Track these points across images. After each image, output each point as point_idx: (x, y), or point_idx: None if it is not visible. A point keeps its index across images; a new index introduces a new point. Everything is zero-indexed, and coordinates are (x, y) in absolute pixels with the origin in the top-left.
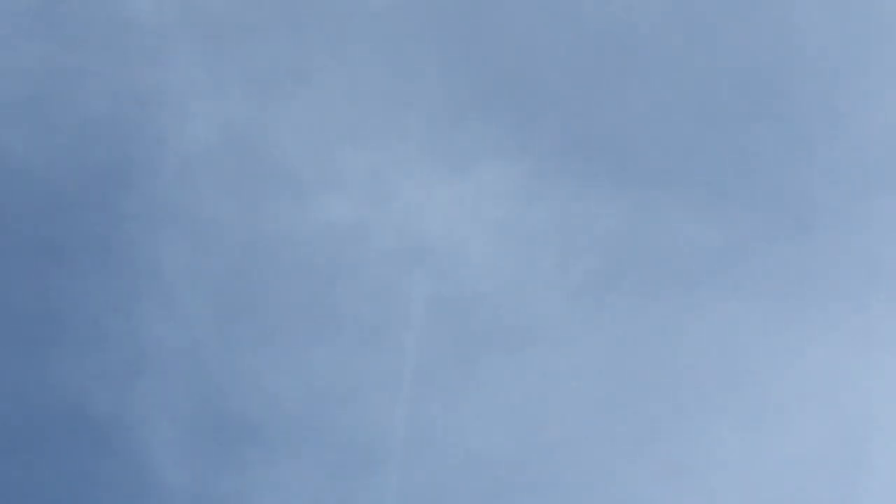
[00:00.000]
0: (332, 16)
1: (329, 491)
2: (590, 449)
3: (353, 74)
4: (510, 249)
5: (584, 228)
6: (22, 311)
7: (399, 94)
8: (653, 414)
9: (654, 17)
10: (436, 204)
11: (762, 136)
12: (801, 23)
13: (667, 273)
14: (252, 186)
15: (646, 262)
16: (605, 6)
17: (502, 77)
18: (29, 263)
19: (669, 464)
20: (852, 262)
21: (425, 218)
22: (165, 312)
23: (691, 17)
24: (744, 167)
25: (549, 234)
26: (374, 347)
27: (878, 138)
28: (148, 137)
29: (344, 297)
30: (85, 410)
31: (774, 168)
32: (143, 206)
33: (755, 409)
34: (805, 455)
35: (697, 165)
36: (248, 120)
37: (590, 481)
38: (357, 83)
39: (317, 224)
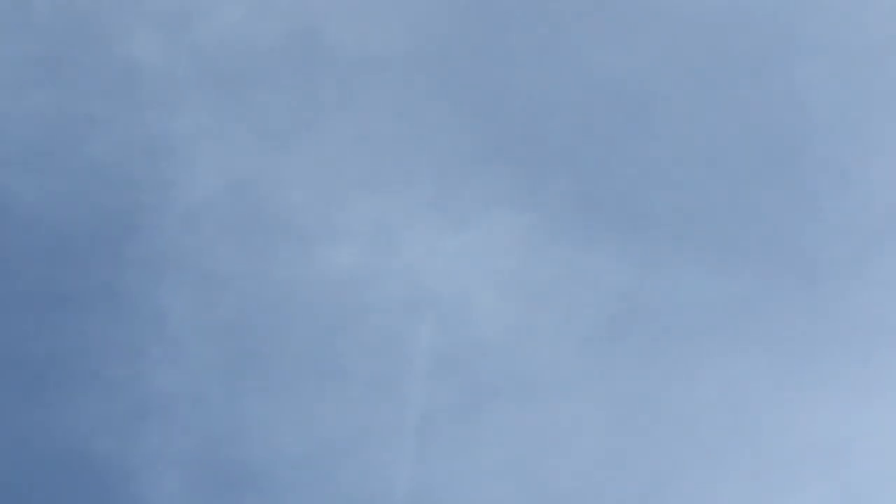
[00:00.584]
0: (341, 66)
1: None
2: (596, 503)
3: (360, 124)
4: (516, 301)
5: (591, 281)
6: (26, 355)
7: (407, 144)
8: (659, 468)
9: (664, 76)
10: (442, 255)
11: (768, 192)
12: (808, 82)
13: (673, 327)
14: (258, 235)
15: (652, 315)
16: (615, 64)
17: (511, 129)
18: (33, 308)
19: None
20: (859, 318)
21: (431, 268)
22: (170, 360)
23: (700, 77)
24: (750, 223)
25: (556, 286)
26: (379, 398)
27: (885, 195)
28: (154, 185)
29: (348, 347)
30: (88, 456)
31: (781, 224)
32: (148, 253)
33: (762, 465)
34: None
35: (704, 221)
36: (254, 168)
37: None
38: (365, 133)
39: (322, 274)
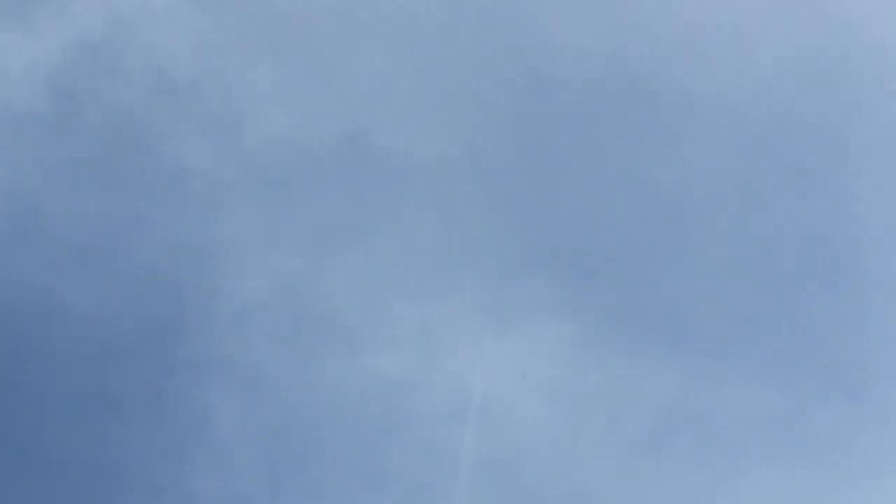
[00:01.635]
0: (387, 171)
1: None
2: None
3: (405, 230)
4: (560, 410)
5: (635, 391)
6: (74, 458)
7: (452, 250)
8: None
9: (710, 187)
10: (486, 362)
11: (815, 304)
12: (855, 193)
13: (717, 439)
14: (304, 339)
15: (696, 427)
16: (661, 175)
17: (556, 236)
18: (80, 410)
19: None
20: None
21: (476, 375)
22: (216, 463)
23: (746, 187)
24: (797, 335)
25: (599, 395)
26: None
27: None
28: (201, 288)
29: (392, 453)
30: None
31: (827, 337)
32: (195, 356)
33: None
34: None
35: (750, 332)
36: (301, 273)
37: None
38: (410, 239)
39: (367, 379)
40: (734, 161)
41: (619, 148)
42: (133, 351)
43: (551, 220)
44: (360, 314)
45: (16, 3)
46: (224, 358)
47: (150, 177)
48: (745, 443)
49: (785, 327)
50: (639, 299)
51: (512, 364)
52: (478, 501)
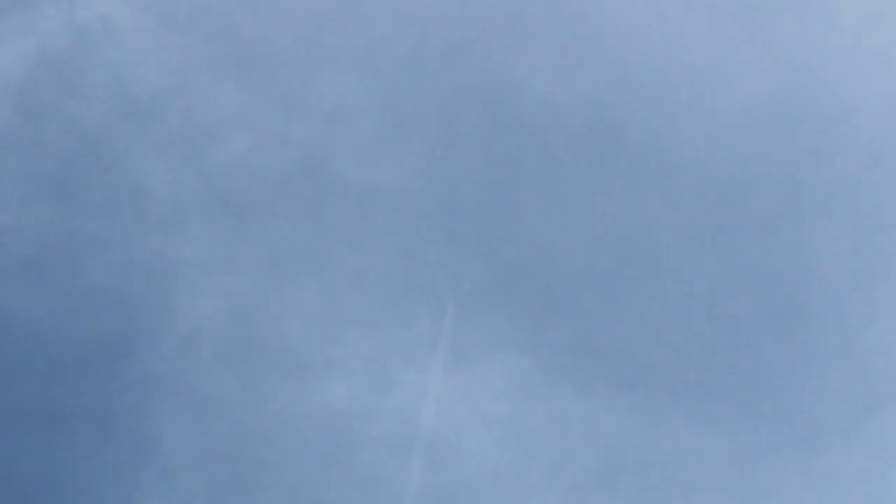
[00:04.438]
0: (346, 200)
1: None
2: None
3: (361, 259)
4: (508, 445)
5: (584, 429)
6: (17, 475)
7: (408, 281)
8: None
9: (669, 228)
10: (437, 394)
11: (770, 350)
12: (815, 242)
13: (666, 480)
14: (254, 364)
15: (645, 467)
16: (620, 214)
17: (512, 272)
18: (23, 427)
19: None
20: (857, 481)
21: (425, 408)
22: (161, 484)
23: (705, 231)
24: (750, 380)
25: (548, 431)
26: None
27: (888, 358)
28: (153, 308)
29: (339, 481)
30: None
31: (781, 383)
32: (144, 376)
33: None
34: None
35: (703, 375)
36: (254, 296)
37: None
38: (365, 268)
39: (316, 406)
40: (693, 206)
41: (580, 188)
42: (81, 368)
43: (508, 255)
44: (311, 341)
45: None
46: (173, 379)
47: (106, 194)
48: (694, 486)
49: (738, 373)
50: (593, 338)
51: (462, 397)
52: None
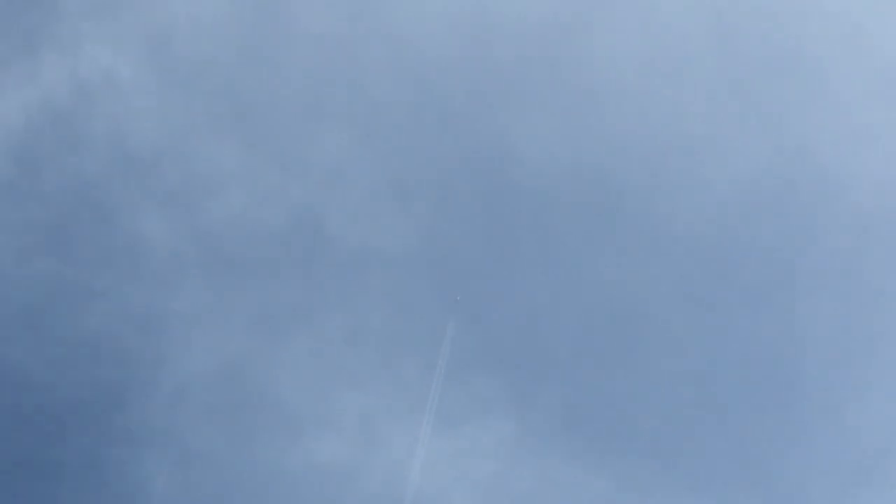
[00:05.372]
0: (340, 259)
1: None
2: None
3: (354, 318)
4: None
5: (571, 494)
6: None
7: (399, 342)
8: None
9: (664, 298)
10: (425, 454)
11: (758, 422)
12: (807, 318)
13: None
14: (245, 419)
15: None
16: (616, 282)
17: (504, 336)
18: (17, 471)
19: None
20: None
21: (413, 467)
22: None
23: (700, 303)
24: (737, 451)
25: (535, 495)
26: None
27: (874, 434)
28: (146, 360)
29: None
30: None
31: (768, 455)
32: (135, 426)
33: None
34: None
35: (690, 445)
36: (247, 352)
37: None
38: (358, 327)
39: (305, 462)
40: (686, 276)
41: (574, 254)
42: (73, 417)
43: (500, 319)
44: (302, 398)
45: None
46: (163, 431)
47: (103, 246)
48: None
49: (725, 443)
50: (582, 404)
51: (450, 458)
52: None
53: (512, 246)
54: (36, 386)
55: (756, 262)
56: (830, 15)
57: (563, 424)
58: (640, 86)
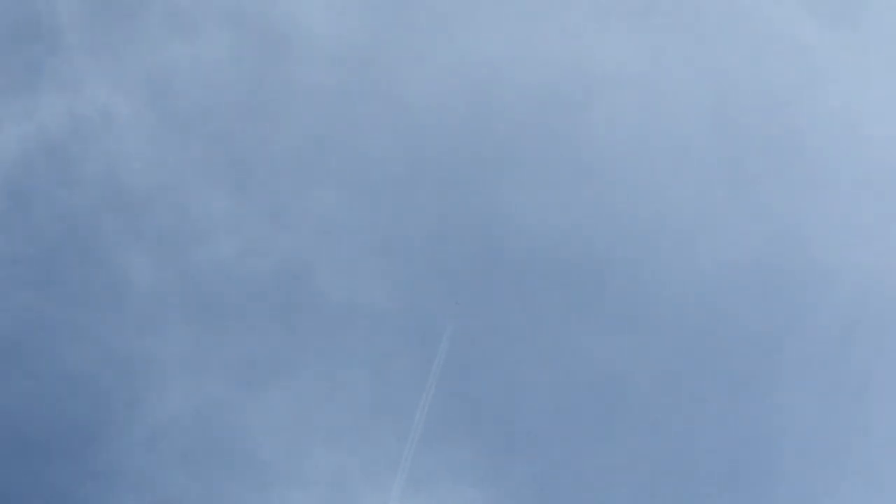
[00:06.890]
0: (324, 313)
1: None
2: None
3: (333, 374)
4: None
5: None
6: None
7: (376, 400)
8: None
9: (644, 376)
10: None
11: (732, 500)
12: (787, 407)
13: None
14: (216, 466)
15: None
16: (597, 356)
17: (481, 402)
18: None
19: None
20: None
21: None
22: None
23: (680, 384)
24: None
25: None
26: None
27: None
28: (123, 401)
29: None
30: None
31: None
32: (108, 467)
33: None
34: None
35: None
36: (224, 400)
37: None
38: (336, 384)
39: None
40: (669, 354)
41: (557, 325)
42: (47, 454)
43: (479, 385)
44: (276, 451)
45: None
46: (136, 473)
47: (89, 284)
48: None
49: None
50: (556, 476)
51: None
52: None
53: (497, 312)
54: (9, 420)
55: (740, 346)
56: (829, 109)
57: (536, 496)
58: (636, 164)
